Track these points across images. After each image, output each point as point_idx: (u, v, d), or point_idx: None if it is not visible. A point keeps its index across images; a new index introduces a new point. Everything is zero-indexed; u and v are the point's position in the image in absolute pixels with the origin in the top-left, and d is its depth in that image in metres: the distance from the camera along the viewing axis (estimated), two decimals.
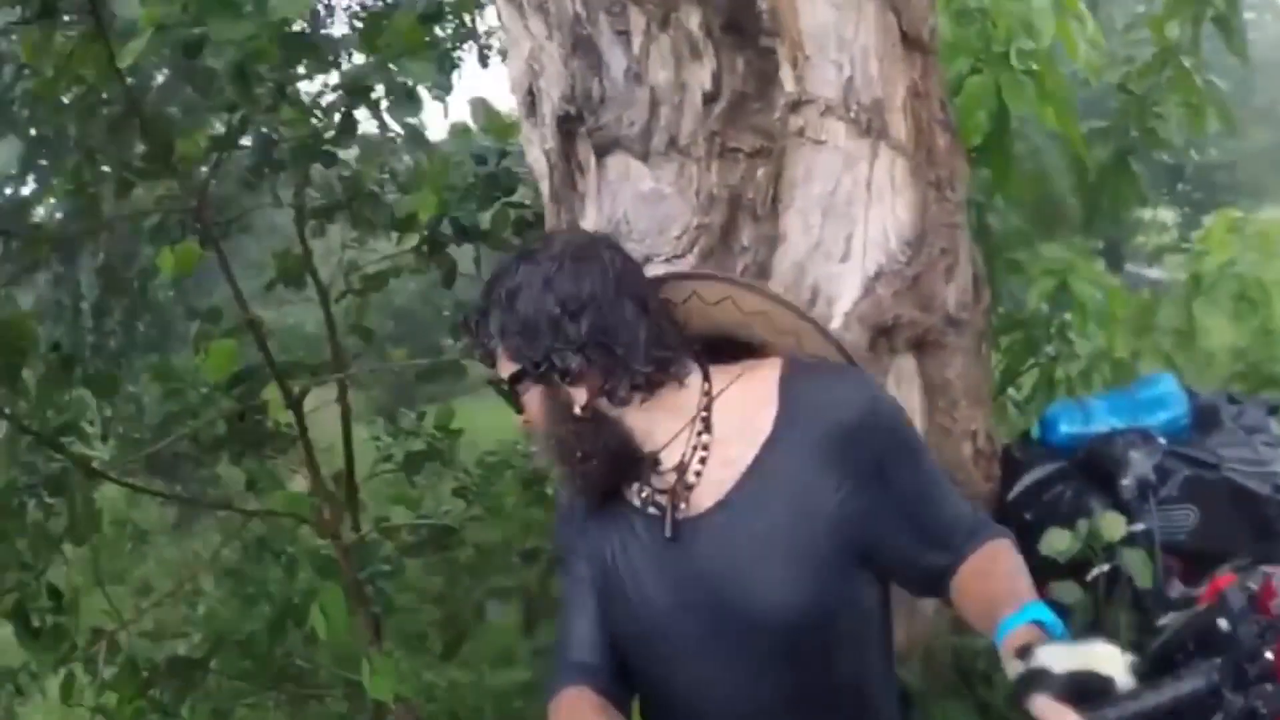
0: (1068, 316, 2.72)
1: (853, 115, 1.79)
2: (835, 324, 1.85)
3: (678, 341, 1.36)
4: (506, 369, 1.37)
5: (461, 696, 3.08)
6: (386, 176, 3.34)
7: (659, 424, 1.36)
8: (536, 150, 2.01)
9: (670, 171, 1.81)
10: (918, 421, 2.05)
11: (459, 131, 2.84)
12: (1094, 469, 1.95)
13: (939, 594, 1.37)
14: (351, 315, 3.31)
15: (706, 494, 1.35)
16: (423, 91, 2.89)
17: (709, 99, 1.74)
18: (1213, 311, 2.63)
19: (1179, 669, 1.21)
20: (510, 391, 1.39)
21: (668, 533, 1.35)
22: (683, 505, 1.36)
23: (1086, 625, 2.01)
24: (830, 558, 1.32)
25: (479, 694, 3.10)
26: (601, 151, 1.85)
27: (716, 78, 1.72)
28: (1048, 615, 1.19)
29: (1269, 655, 1.20)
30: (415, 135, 2.97)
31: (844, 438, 1.31)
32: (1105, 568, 1.92)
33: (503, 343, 1.35)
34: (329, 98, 2.85)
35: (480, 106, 2.81)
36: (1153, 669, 1.52)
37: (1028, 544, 1.65)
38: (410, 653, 2.92)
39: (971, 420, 2.03)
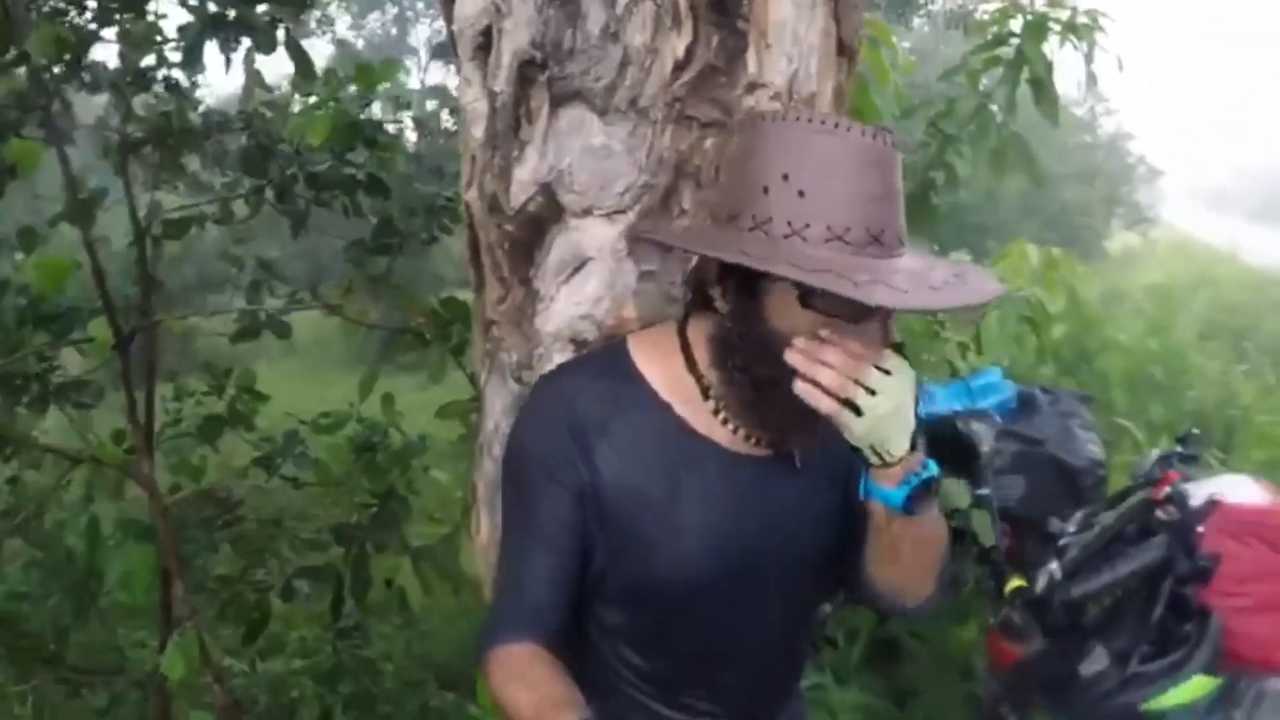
0: None
1: (792, 104, 1.96)
2: None
3: None
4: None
5: (262, 683, 2.88)
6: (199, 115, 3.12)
7: None
8: (476, 91, 2.01)
9: (624, 130, 1.89)
10: None
11: (327, 79, 2.71)
12: (941, 443, 2.25)
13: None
14: (151, 264, 3.04)
15: None
16: None
17: (678, 67, 1.84)
18: (999, 331, 3.08)
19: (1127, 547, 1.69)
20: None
21: (798, 463, 1.43)
22: None
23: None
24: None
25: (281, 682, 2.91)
26: (558, 102, 1.90)
27: (690, 49, 1.83)
28: None
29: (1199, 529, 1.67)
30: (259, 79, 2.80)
31: None
32: None
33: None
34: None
35: (347, 56, 2.72)
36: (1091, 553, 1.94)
37: None
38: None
39: None
